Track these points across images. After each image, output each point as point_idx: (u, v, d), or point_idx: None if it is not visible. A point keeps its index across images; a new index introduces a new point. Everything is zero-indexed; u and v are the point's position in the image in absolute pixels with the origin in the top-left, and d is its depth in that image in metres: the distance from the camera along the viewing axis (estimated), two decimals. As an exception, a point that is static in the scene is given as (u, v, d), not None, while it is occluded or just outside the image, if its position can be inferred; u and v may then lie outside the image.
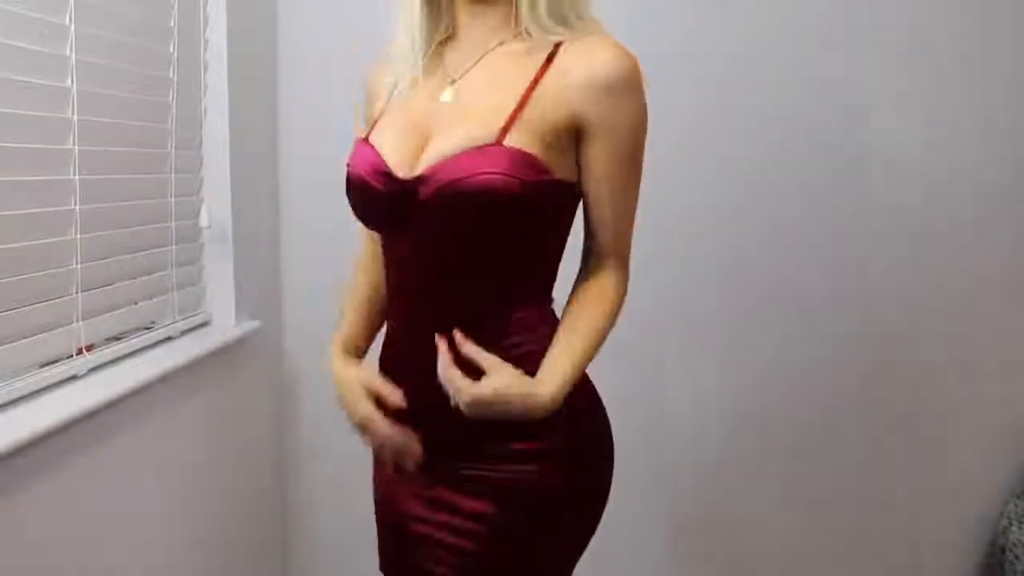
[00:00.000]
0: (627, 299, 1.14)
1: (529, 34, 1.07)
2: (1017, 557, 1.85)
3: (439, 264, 1.08)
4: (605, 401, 1.18)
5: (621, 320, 1.13)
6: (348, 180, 1.12)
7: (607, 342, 1.11)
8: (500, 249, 1.07)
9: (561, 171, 1.05)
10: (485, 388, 1.02)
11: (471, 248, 1.06)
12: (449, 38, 1.15)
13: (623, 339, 1.19)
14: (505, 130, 1.01)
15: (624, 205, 1.11)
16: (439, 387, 1.04)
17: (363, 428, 1.16)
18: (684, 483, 2.09)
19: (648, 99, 1.07)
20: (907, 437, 2.02)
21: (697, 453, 2.08)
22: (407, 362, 1.13)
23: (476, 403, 1.02)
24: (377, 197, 1.08)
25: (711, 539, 2.12)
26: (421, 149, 1.07)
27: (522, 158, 1.00)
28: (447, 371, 1.03)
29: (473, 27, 1.11)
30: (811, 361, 2.02)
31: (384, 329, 1.22)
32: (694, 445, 2.08)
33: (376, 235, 1.20)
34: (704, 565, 2.13)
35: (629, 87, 1.04)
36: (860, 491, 2.05)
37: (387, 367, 1.17)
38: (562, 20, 1.06)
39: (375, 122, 1.16)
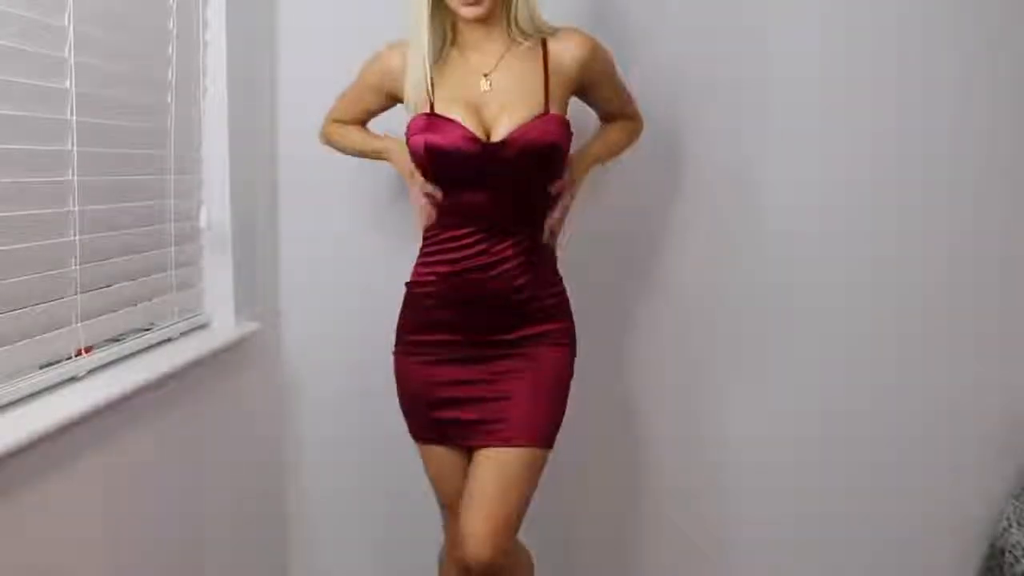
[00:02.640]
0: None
1: (521, 39, 1.56)
2: (1016, 558, 1.85)
3: (505, 200, 1.55)
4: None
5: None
6: (433, 148, 1.51)
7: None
8: (542, 185, 1.60)
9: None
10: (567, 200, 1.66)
11: (533, 185, 1.58)
12: (454, 42, 1.59)
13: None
14: (547, 103, 1.53)
15: (625, 92, 1.72)
16: (504, 289, 1.56)
17: (411, 187, 1.64)
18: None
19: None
20: (907, 437, 2.02)
21: (695, 455, 2.09)
22: (476, 283, 1.57)
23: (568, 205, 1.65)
24: (468, 157, 1.51)
25: (709, 535, 2.12)
26: (485, 123, 1.52)
27: (562, 120, 1.55)
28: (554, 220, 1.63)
29: (479, 36, 1.56)
30: (810, 361, 2.03)
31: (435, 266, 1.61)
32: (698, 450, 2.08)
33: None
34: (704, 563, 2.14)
35: (595, 45, 1.60)
36: (860, 491, 2.05)
37: (451, 292, 1.59)
38: (537, 27, 1.56)
39: (430, 106, 1.55)
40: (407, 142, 1.57)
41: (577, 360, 1.64)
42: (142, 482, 1.57)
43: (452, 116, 1.52)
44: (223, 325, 1.90)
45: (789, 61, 1.93)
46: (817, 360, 2.02)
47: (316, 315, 2.12)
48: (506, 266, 1.56)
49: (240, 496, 1.98)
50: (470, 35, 1.57)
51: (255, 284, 2.00)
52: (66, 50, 1.38)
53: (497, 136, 1.51)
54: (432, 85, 1.55)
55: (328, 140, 1.79)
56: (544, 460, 1.58)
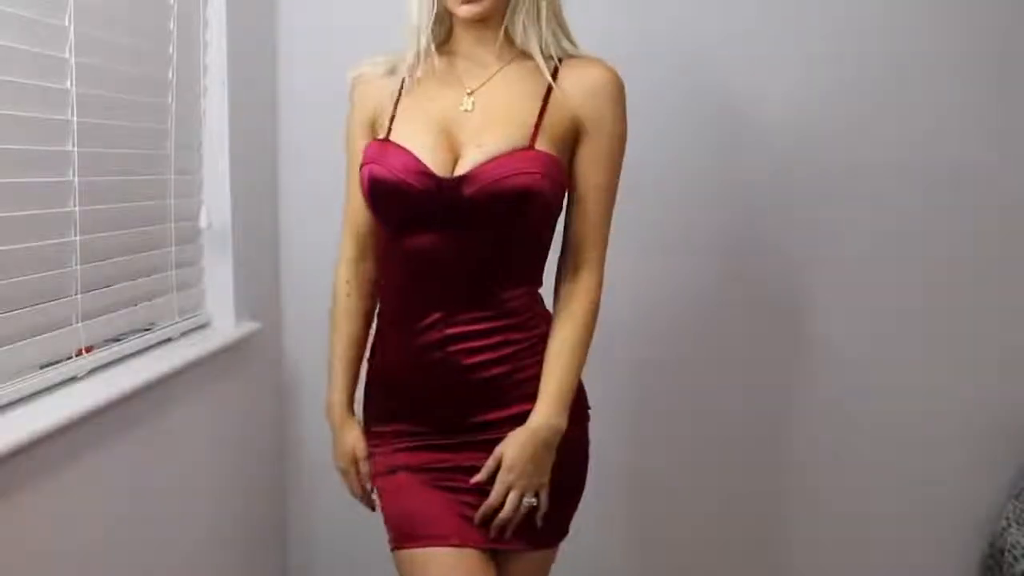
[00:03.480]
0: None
1: (529, 55, 1.24)
2: (1016, 558, 1.85)
3: (464, 253, 1.22)
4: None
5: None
6: (375, 181, 1.22)
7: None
8: (519, 239, 1.24)
9: (566, 170, 1.25)
10: (511, 477, 1.23)
11: (497, 238, 1.22)
12: (446, 47, 1.29)
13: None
14: (534, 137, 1.19)
15: (606, 208, 1.28)
16: (442, 369, 1.25)
17: (344, 475, 1.43)
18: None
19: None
20: (906, 437, 2.02)
21: (689, 454, 2.09)
22: (411, 351, 1.27)
23: (520, 486, 1.24)
24: (415, 196, 1.20)
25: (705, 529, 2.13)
26: (453, 152, 1.21)
27: (550, 160, 1.20)
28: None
29: (472, 42, 1.26)
30: (810, 361, 2.03)
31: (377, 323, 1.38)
32: (691, 446, 2.09)
33: (358, 272, 1.42)
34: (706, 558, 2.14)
35: (615, 93, 1.24)
36: (859, 491, 2.05)
37: (385, 361, 1.34)
38: (556, 46, 1.24)
39: (388, 127, 1.27)
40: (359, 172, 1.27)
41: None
42: (142, 482, 1.57)
43: (407, 143, 1.22)
44: (223, 325, 1.90)
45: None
46: (817, 360, 2.02)
47: (316, 315, 2.10)
48: (464, 340, 1.23)
49: (239, 496, 1.98)
50: (464, 41, 1.27)
51: (255, 284, 1.99)
52: (66, 50, 1.38)
53: (460, 170, 1.20)
54: (399, 100, 1.27)
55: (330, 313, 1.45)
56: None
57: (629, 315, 1.97)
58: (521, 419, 1.24)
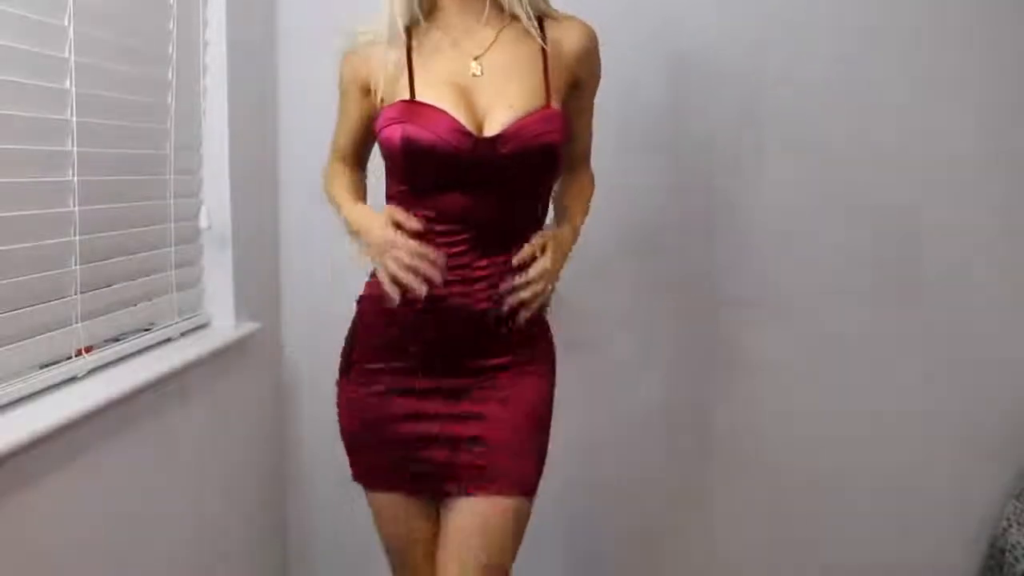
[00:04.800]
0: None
1: (515, 18, 1.34)
2: (1016, 558, 1.85)
3: (493, 208, 1.31)
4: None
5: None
6: (411, 140, 1.27)
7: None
8: (538, 191, 1.39)
9: None
10: (547, 261, 1.34)
11: (523, 192, 1.36)
12: (432, 19, 1.36)
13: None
14: (548, 95, 1.31)
15: (590, 126, 1.49)
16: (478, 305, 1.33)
17: (386, 249, 1.33)
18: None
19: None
20: (907, 437, 2.02)
21: (677, 454, 2.09)
22: (448, 306, 1.33)
23: (550, 272, 1.35)
24: (453, 154, 1.27)
25: (707, 529, 2.13)
26: (476, 113, 1.29)
27: (563, 116, 1.33)
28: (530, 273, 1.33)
29: (457, 11, 1.34)
30: (810, 361, 2.03)
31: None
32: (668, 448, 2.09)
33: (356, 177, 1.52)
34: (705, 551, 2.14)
35: (597, 49, 1.41)
36: (860, 491, 2.05)
37: (414, 314, 1.35)
38: (536, 7, 1.35)
39: (410, 87, 1.32)
40: (378, 136, 1.33)
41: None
42: (142, 482, 1.58)
43: (438, 103, 1.28)
44: (223, 325, 1.90)
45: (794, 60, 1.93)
46: (817, 361, 2.02)
47: (316, 315, 2.12)
48: (484, 283, 1.32)
49: (240, 496, 1.99)
50: (455, 15, 1.34)
51: (255, 284, 1.99)
52: (66, 50, 1.38)
53: (491, 130, 1.28)
54: (411, 65, 1.32)
55: (326, 192, 1.54)
56: (530, 511, 1.38)
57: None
58: (511, 367, 1.37)
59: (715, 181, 1.99)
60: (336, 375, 2.13)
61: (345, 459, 2.14)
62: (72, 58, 1.39)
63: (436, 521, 1.40)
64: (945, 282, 1.96)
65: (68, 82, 1.39)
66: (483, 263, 1.32)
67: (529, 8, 1.33)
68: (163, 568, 1.66)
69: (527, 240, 1.35)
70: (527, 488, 1.36)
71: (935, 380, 1.99)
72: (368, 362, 1.43)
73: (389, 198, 1.38)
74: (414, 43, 1.34)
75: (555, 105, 1.32)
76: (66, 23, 1.38)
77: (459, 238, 1.32)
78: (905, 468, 2.03)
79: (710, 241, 2.01)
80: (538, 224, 1.40)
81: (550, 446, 1.41)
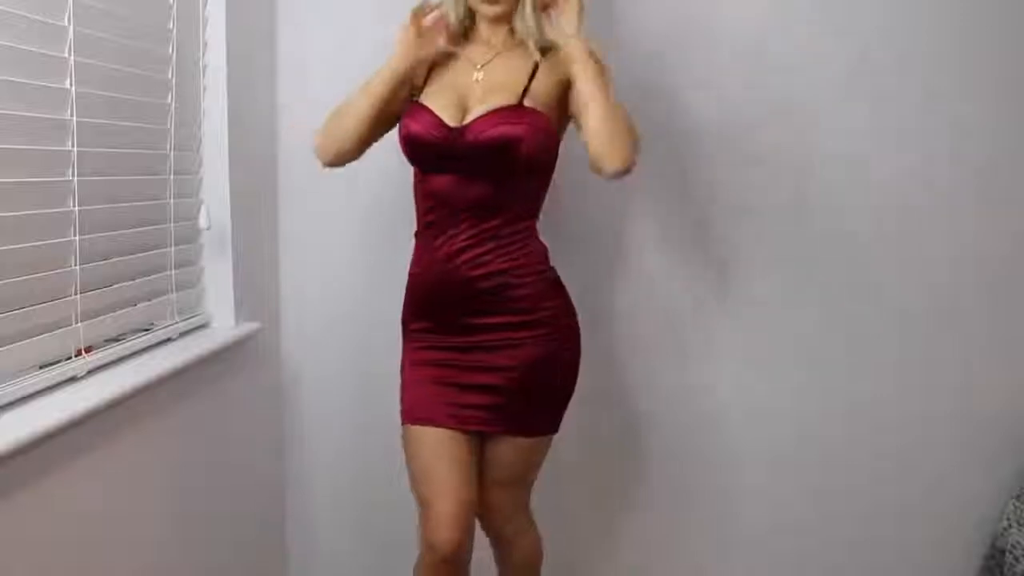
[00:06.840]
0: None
1: (524, 44, 1.59)
2: (1017, 559, 1.85)
3: (468, 190, 1.55)
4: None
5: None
6: (410, 132, 1.55)
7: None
8: (510, 180, 1.56)
9: (556, 124, 1.57)
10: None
11: (492, 178, 1.54)
12: (470, 34, 1.64)
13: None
14: (522, 97, 1.53)
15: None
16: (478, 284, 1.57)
17: (412, 17, 1.58)
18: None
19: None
20: (907, 437, 2.02)
21: (692, 445, 2.09)
22: (439, 272, 1.59)
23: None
24: (433, 143, 1.53)
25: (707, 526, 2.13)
26: (463, 111, 1.55)
27: (535, 113, 1.52)
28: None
29: (487, 31, 1.62)
30: (811, 360, 2.03)
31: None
32: (696, 435, 2.09)
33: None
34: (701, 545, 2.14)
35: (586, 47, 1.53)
36: (860, 491, 2.05)
37: (418, 272, 1.64)
38: (544, 40, 1.57)
39: (421, 89, 1.61)
40: (398, 133, 1.61)
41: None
42: (142, 482, 1.58)
43: (430, 104, 1.56)
44: (223, 325, 1.90)
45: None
46: (817, 360, 2.02)
47: (316, 315, 2.13)
48: (468, 255, 1.56)
49: (240, 496, 1.99)
50: (484, 30, 1.62)
51: (255, 284, 1.99)
52: (66, 50, 1.38)
53: (465, 123, 1.54)
54: (429, 74, 1.62)
55: (340, 107, 1.62)
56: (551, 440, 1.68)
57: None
58: (510, 327, 1.58)
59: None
60: (335, 375, 2.17)
61: (344, 459, 2.17)
62: (72, 58, 1.39)
63: (469, 450, 1.61)
64: (944, 282, 1.96)
65: (68, 82, 1.39)
66: (466, 234, 1.56)
67: (536, 34, 1.57)
68: (163, 568, 1.66)
69: (513, 213, 1.57)
70: (547, 429, 1.66)
71: (936, 380, 1.99)
72: (409, 322, 1.68)
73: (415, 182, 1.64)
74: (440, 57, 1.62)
75: (528, 104, 1.53)
76: (66, 23, 1.38)
77: (443, 213, 1.57)
78: (905, 468, 2.03)
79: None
80: (527, 217, 1.61)
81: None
